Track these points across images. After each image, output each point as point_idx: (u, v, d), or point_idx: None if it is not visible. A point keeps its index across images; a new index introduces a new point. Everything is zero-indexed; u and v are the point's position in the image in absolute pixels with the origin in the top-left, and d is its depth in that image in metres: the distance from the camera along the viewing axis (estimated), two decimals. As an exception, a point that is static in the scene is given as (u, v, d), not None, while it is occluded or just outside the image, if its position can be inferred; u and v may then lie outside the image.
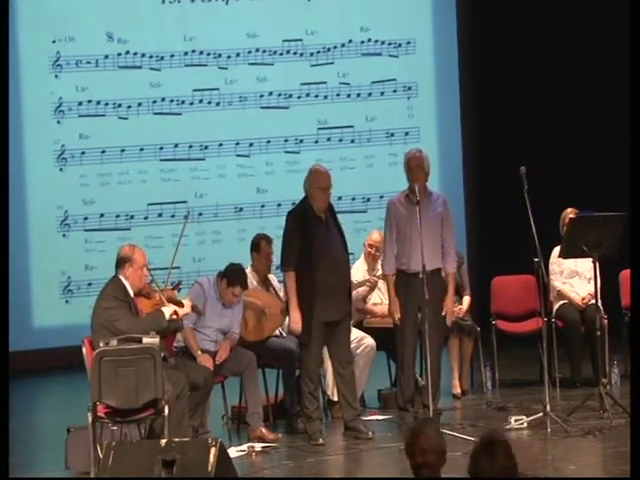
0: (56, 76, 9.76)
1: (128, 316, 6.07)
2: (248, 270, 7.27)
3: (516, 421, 6.74)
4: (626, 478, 5.27)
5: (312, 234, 6.67)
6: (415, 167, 6.74)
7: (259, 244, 7.33)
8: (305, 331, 6.72)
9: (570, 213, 7.75)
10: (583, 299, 7.86)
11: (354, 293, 7.12)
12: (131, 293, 6.21)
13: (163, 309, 6.21)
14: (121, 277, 6.22)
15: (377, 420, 7.22)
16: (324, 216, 6.74)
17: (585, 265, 7.72)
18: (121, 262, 6.24)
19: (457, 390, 7.79)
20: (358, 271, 7.59)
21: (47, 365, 9.41)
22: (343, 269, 6.70)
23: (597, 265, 7.04)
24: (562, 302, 7.96)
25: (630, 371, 6.76)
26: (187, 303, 6.49)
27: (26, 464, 6.70)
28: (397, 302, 6.77)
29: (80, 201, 9.81)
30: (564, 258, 7.61)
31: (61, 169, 9.81)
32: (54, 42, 9.72)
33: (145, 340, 5.94)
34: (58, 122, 9.77)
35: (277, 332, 7.26)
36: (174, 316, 6.23)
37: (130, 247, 6.33)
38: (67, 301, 9.56)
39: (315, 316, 6.65)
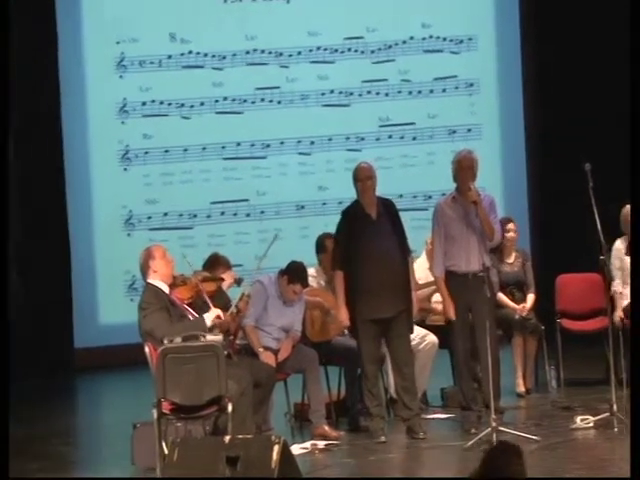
0: (120, 77, 9.88)
1: (164, 323, 5.99)
2: (315, 270, 7.28)
3: (582, 420, 6.66)
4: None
5: (358, 232, 6.66)
6: (467, 168, 6.72)
7: (324, 243, 7.29)
8: (354, 329, 6.76)
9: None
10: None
11: (418, 293, 7.10)
12: (166, 290, 6.13)
13: (205, 315, 6.13)
14: (150, 281, 6.14)
15: (440, 419, 7.20)
16: (374, 213, 6.71)
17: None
18: (144, 268, 6.17)
19: (521, 389, 7.72)
20: (420, 268, 7.54)
21: (113, 362, 9.52)
22: (393, 267, 6.64)
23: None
24: (628, 300, 7.84)
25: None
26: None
27: (92, 459, 6.79)
28: (451, 302, 6.75)
29: (144, 200, 9.91)
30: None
31: (125, 169, 9.92)
32: (118, 43, 9.83)
33: (208, 337, 5.97)
34: (122, 122, 9.88)
35: (339, 330, 7.28)
36: (216, 320, 6.14)
37: (143, 251, 6.23)
38: (132, 299, 9.65)
39: (360, 314, 6.66)
